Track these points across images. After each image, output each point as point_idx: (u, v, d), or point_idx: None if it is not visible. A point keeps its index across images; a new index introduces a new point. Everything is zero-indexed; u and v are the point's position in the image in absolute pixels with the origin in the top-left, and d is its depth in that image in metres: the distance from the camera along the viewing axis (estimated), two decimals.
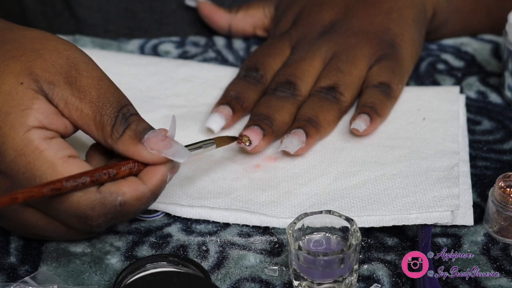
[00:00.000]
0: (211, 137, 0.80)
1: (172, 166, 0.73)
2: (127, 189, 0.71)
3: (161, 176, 0.72)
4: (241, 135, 0.84)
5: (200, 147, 0.77)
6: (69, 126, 0.72)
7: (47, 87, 0.71)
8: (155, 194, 0.73)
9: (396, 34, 0.93)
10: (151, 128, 0.72)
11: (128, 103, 0.73)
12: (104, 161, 0.74)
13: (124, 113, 0.72)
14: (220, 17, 1.02)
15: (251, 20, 1.02)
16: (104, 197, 0.70)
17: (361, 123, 0.86)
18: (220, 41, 1.03)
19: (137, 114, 0.73)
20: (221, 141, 0.81)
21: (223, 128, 0.88)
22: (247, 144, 0.84)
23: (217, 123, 0.87)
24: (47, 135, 0.70)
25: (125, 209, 0.71)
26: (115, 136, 0.71)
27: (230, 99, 0.89)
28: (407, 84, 0.96)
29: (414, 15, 0.95)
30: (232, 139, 0.83)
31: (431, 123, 0.89)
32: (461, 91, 0.95)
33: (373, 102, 0.88)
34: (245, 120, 0.89)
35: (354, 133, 0.87)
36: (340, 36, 0.92)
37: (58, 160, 0.70)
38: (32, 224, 0.73)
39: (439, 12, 0.99)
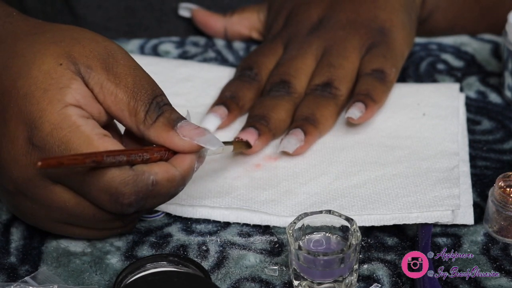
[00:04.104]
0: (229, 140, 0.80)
1: (199, 155, 0.74)
2: (158, 170, 0.71)
3: (190, 161, 0.73)
4: (236, 139, 0.84)
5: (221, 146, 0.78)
6: (103, 113, 0.73)
7: (84, 70, 0.72)
8: (184, 178, 0.73)
9: (385, 20, 0.93)
10: (184, 118, 0.73)
11: (162, 93, 0.74)
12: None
13: (158, 101, 0.73)
14: (215, 21, 1.03)
15: (246, 22, 1.02)
16: (136, 174, 0.70)
17: (355, 111, 0.86)
18: (220, 41, 1.03)
19: (170, 104, 0.74)
20: (238, 145, 0.81)
21: (219, 127, 0.88)
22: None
23: (212, 123, 0.87)
24: (83, 114, 0.71)
25: (156, 190, 0.71)
26: (148, 123, 0.72)
27: (225, 99, 0.89)
28: (407, 81, 0.96)
29: None
30: (248, 145, 0.83)
31: (431, 120, 0.89)
32: (461, 91, 0.95)
33: (367, 89, 0.87)
34: (244, 119, 0.89)
35: (350, 122, 0.87)
36: (329, 31, 0.92)
37: (94, 136, 0.70)
38: (59, 204, 0.73)
39: None
